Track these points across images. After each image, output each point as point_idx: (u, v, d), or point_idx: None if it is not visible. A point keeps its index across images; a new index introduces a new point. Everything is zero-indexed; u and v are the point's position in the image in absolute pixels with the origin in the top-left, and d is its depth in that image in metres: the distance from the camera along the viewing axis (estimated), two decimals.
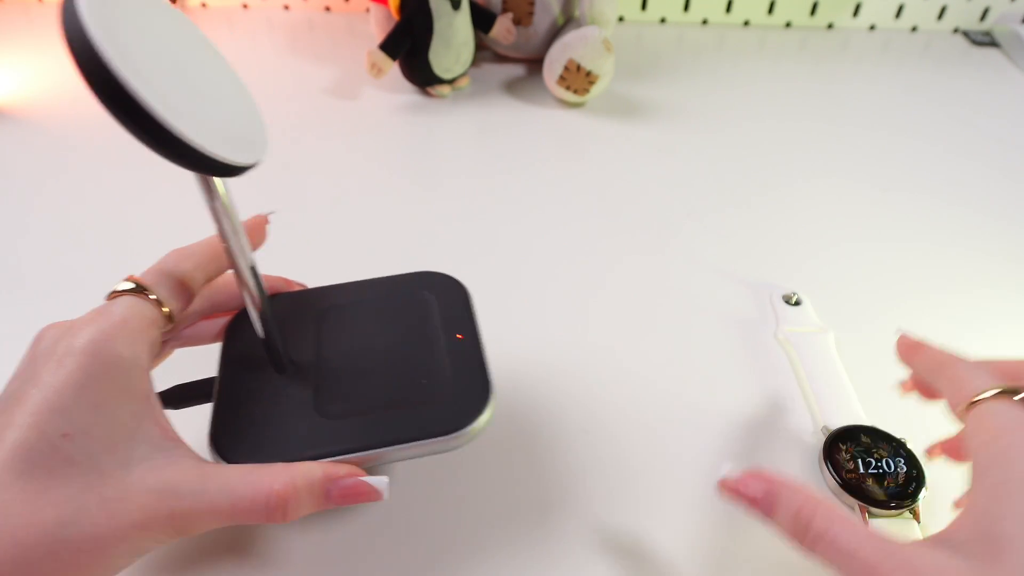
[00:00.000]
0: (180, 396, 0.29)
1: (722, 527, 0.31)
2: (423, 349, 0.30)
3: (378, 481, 0.26)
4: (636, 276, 0.45)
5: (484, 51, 0.69)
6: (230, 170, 0.21)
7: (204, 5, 0.76)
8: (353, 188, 0.51)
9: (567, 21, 0.64)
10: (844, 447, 0.33)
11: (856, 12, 0.79)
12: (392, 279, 0.33)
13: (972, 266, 0.47)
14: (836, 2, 0.79)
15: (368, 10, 0.75)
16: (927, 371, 0.29)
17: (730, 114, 0.63)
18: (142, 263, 0.44)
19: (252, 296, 0.27)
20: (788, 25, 0.80)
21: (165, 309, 0.27)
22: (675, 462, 0.34)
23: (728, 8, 0.79)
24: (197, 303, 0.30)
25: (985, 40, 0.79)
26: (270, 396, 0.28)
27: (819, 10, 0.79)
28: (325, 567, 0.29)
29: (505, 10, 0.64)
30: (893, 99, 0.67)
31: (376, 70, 0.58)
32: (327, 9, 0.77)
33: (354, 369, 0.29)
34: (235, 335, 0.31)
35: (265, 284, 0.27)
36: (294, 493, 0.24)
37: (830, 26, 0.81)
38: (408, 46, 0.58)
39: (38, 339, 0.25)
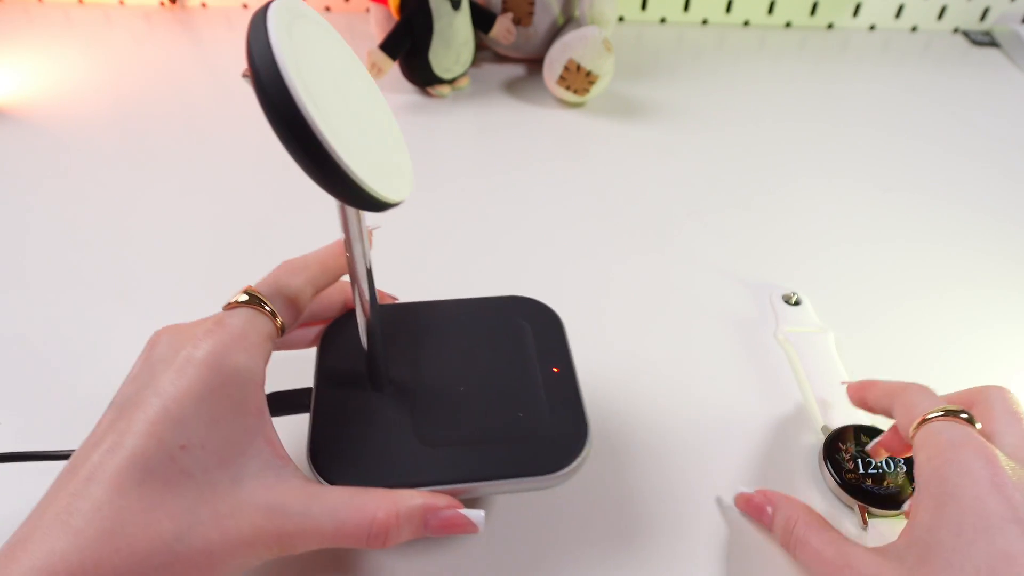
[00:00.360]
0: (277, 405, 0.28)
1: (723, 528, 0.31)
2: (519, 380, 0.30)
3: (475, 515, 0.26)
4: (636, 276, 0.45)
5: (484, 51, 0.69)
6: (382, 206, 0.21)
7: (204, 5, 0.76)
8: None
9: (567, 21, 0.64)
10: (844, 447, 0.33)
11: (856, 12, 0.79)
12: (486, 301, 0.33)
13: (972, 266, 0.47)
14: (836, 2, 0.79)
15: (368, 10, 0.75)
16: (881, 402, 0.31)
17: (730, 114, 0.63)
18: (141, 263, 0.44)
19: (364, 306, 0.27)
20: (788, 25, 0.80)
21: (278, 321, 0.27)
22: (674, 463, 0.34)
23: (728, 8, 0.79)
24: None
25: (985, 40, 0.79)
26: (369, 415, 0.28)
27: (819, 10, 0.79)
28: None
29: (505, 10, 0.64)
30: (893, 99, 0.67)
31: (376, 70, 0.58)
32: (327, 9, 0.77)
33: (452, 395, 0.29)
34: (330, 346, 0.31)
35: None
36: (396, 522, 0.24)
37: (830, 26, 0.81)
38: (408, 46, 0.58)
39: (153, 343, 0.25)
